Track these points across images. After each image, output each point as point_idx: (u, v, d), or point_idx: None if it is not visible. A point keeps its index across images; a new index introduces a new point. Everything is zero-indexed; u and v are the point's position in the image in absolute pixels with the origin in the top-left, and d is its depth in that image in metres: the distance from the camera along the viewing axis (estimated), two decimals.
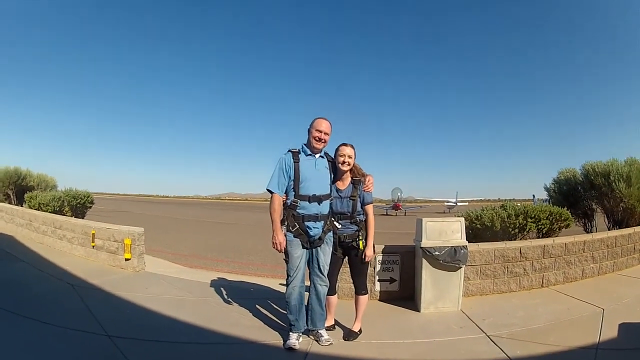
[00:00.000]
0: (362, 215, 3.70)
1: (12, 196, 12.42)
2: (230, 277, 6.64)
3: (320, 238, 3.53)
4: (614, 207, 7.56)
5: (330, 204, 3.62)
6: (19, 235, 8.72)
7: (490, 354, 3.34)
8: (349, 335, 3.68)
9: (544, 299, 4.80)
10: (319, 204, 3.51)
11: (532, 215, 6.58)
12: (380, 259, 4.86)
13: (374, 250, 3.79)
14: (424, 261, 4.46)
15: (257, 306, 4.55)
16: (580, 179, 8.30)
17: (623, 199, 7.26)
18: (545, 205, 7.32)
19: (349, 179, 3.70)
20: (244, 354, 3.36)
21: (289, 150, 3.60)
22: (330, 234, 3.64)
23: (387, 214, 47.09)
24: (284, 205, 3.55)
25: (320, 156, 3.66)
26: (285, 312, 3.66)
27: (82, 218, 10.20)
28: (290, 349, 3.39)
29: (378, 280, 4.87)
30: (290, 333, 3.52)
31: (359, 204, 3.65)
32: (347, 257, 3.82)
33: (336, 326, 3.93)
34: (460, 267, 4.47)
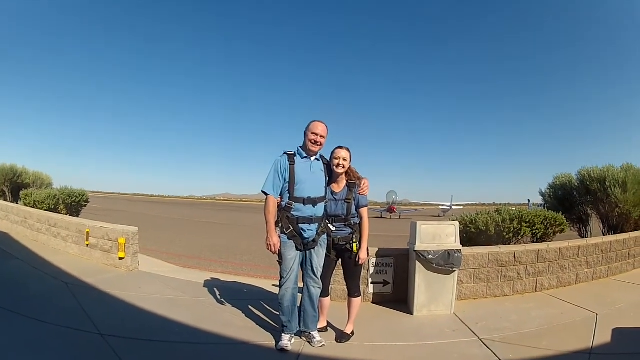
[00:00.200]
0: (356, 218, 3.71)
1: (7, 193, 12.39)
2: (224, 277, 6.64)
3: (314, 240, 3.53)
4: (610, 212, 7.58)
5: (325, 206, 3.63)
6: (13, 233, 8.68)
7: (483, 358, 3.35)
8: (342, 337, 3.68)
9: (538, 303, 4.81)
10: (314, 207, 3.52)
11: (527, 220, 6.59)
12: (374, 262, 4.86)
13: (368, 253, 3.80)
14: (418, 264, 4.46)
15: (250, 307, 4.54)
16: (576, 184, 8.32)
17: (618, 204, 7.28)
18: (540, 210, 7.34)
19: (344, 181, 3.71)
20: (237, 355, 3.36)
21: (285, 153, 3.61)
22: (325, 236, 3.64)
23: (381, 217, 47.05)
24: (278, 207, 3.56)
25: (316, 159, 3.67)
26: (278, 314, 3.67)
27: (77, 216, 10.18)
28: (283, 350, 3.39)
29: (371, 283, 4.87)
30: (283, 334, 3.52)
31: (353, 207, 3.66)
32: (340, 260, 3.82)
33: (329, 328, 3.92)
34: (454, 271, 4.48)
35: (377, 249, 4.89)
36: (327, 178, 3.69)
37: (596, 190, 7.66)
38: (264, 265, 9.28)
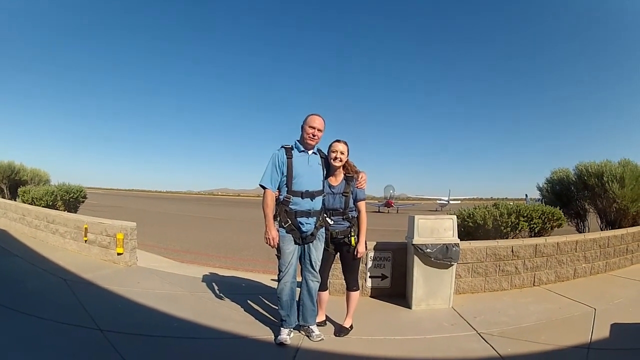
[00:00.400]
0: (354, 212, 3.70)
1: (5, 190, 12.34)
2: (222, 272, 6.64)
3: (312, 234, 3.53)
4: (607, 207, 7.59)
5: (323, 200, 3.62)
6: (12, 230, 8.65)
7: (481, 352, 3.35)
8: (340, 331, 3.68)
9: (536, 297, 4.82)
10: (312, 200, 3.51)
11: (525, 214, 6.59)
12: (372, 256, 4.86)
13: (366, 247, 3.79)
14: (416, 258, 4.46)
15: (249, 301, 4.54)
16: (574, 179, 8.32)
17: (616, 199, 7.29)
18: (537, 204, 7.34)
19: (342, 175, 3.70)
20: (236, 349, 3.36)
21: (282, 147, 3.61)
22: (323, 230, 3.64)
23: (379, 211, 47.05)
24: (276, 201, 3.55)
25: (313, 152, 3.67)
26: (277, 308, 3.66)
27: (75, 212, 10.15)
28: (282, 345, 3.39)
29: (369, 277, 4.88)
30: (282, 328, 3.53)
31: (351, 201, 3.65)
32: (339, 253, 3.82)
33: (327, 322, 3.93)
34: (452, 265, 4.49)
35: (375, 243, 4.89)
36: (325, 171, 3.69)
37: (594, 185, 7.66)
38: (262, 259, 9.29)
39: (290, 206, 3.48)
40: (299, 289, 3.66)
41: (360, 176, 3.72)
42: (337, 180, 3.69)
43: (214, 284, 5.26)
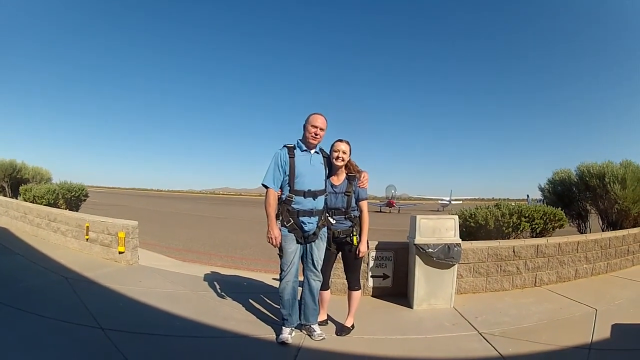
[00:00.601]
0: (356, 211, 3.71)
1: (7, 189, 12.35)
2: (224, 271, 6.66)
3: (314, 233, 3.53)
4: (609, 208, 7.58)
5: (325, 199, 3.62)
6: (13, 228, 8.66)
7: (483, 352, 3.35)
8: (342, 330, 3.69)
9: (537, 298, 4.82)
10: (314, 199, 3.51)
11: (526, 215, 6.60)
12: (374, 255, 4.87)
13: (368, 246, 3.80)
14: (418, 258, 4.47)
15: (250, 300, 4.55)
16: (575, 180, 8.32)
17: (618, 200, 7.28)
18: (539, 205, 7.34)
19: (344, 174, 3.71)
20: (237, 348, 3.36)
21: (285, 146, 3.60)
22: (325, 229, 3.63)
23: (380, 211, 46.96)
24: (279, 200, 3.55)
25: (316, 152, 3.67)
26: (278, 307, 3.67)
27: (77, 211, 10.16)
28: (283, 344, 3.39)
29: (371, 276, 4.88)
30: (283, 327, 3.53)
31: (353, 200, 3.66)
32: (341, 253, 3.82)
33: (329, 321, 3.93)
34: (454, 265, 4.49)
35: (376, 243, 4.89)
36: (327, 171, 3.69)
37: (595, 186, 7.66)
38: (263, 259, 9.30)
39: (292, 205, 3.48)
40: (301, 288, 3.66)
41: (362, 176, 3.72)
42: (339, 179, 3.69)
43: (215, 282, 5.27)
